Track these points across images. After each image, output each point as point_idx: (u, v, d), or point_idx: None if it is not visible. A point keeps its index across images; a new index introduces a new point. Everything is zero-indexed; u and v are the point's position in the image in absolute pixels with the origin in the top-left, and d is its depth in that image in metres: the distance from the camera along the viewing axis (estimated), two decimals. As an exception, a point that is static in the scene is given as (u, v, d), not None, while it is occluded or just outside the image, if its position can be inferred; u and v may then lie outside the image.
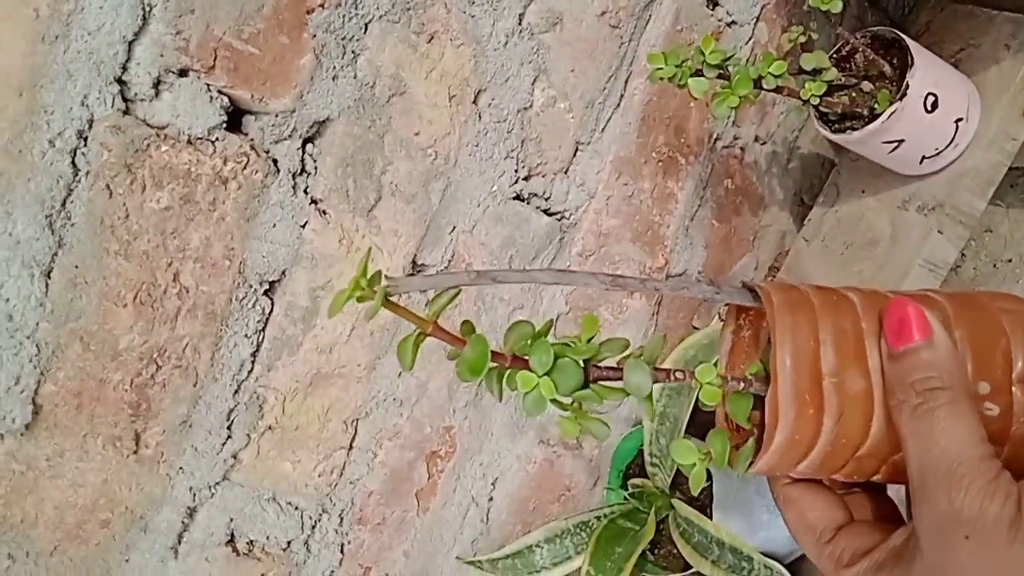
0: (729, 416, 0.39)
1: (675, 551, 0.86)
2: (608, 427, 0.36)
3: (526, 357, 0.35)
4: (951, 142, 0.80)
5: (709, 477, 0.91)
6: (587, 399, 0.35)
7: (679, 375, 0.36)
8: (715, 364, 0.38)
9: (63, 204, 0.59)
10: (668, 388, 0.86)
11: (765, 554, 0.79)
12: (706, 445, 0.39)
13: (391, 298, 0.34)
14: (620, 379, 0.35)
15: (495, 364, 0.34)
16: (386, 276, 0.35)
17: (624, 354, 0.36)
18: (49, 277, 0.60)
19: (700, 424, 0.92)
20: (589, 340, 0.35)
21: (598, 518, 0.88)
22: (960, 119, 0.79)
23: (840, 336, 0.35)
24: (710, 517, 0.84)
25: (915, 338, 0.34)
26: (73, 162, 0.59)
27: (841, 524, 0.38)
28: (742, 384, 0.37)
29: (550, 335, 0.35)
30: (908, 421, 0.34)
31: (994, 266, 1.01)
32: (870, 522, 0.39)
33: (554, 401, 0.34)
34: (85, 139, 0.59)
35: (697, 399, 0.81)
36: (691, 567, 0.84)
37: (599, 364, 0.35)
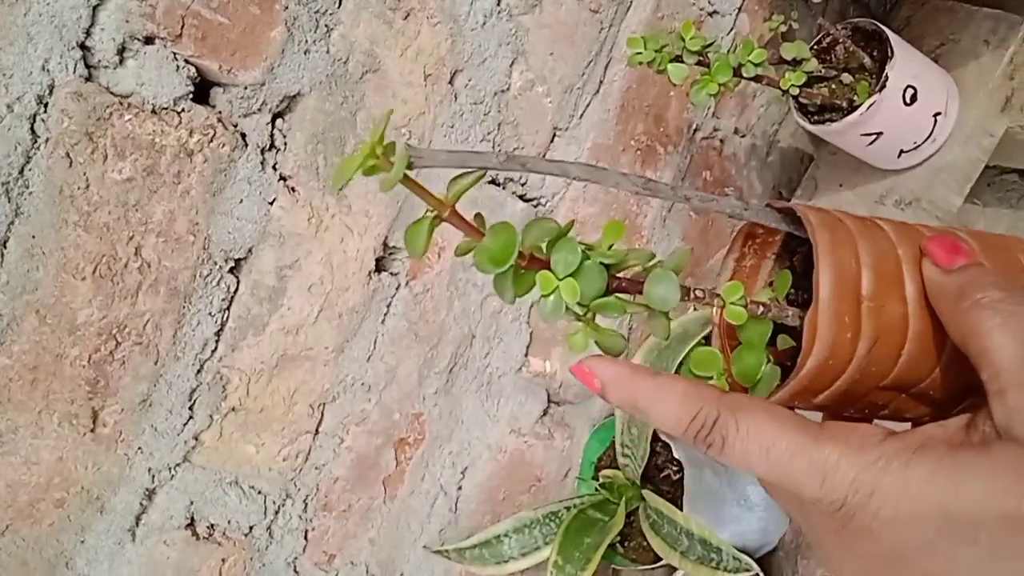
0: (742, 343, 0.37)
1: (645, 544, 0.86)
2: (626, 339, 0.34)
3: (545, 258, 0.32)
4: (929, 136, 0.80)
5: (680, 469, 0.90)
6: (608, 308, 0.32)
7: (699, 293, 0.33)
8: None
9: (21, 172, 0.58)
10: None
11: (735, 548, 0.78)
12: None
13: (408, 173, 0.30)
14: (640, 292, 0.32)
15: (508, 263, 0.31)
16: (408, 144, 0.30)
17: (650, 264, 0.33)
18: (5, 247, 0.58)
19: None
20: (611, 247, 0.32)
21: (568, 508, 0.87)
22: (938, 113, 0.79)
23: (879, 259, 0.34)
24: (680, 509, 0.84)
25: (970, 258, 0.34)
26: (32, 128, 0.57)
27: (821, 425, 0.34)
28: (761, 308, 0.35)
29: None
30: (996, 313, 0.32)
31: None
32: None
33: (568, 310, 0.31)
34: (45, 105, 0.57)
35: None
36: (660, 560, 0.84)
37: (619, 275, 0.32)
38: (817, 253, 0.33)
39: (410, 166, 0.29)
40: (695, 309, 0.91)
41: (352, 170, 0.29)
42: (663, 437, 0.88)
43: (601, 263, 0.31)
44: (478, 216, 0.32)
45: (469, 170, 0.32)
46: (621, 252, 0.32)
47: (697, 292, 0.33)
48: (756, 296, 0.37)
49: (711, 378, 0.36)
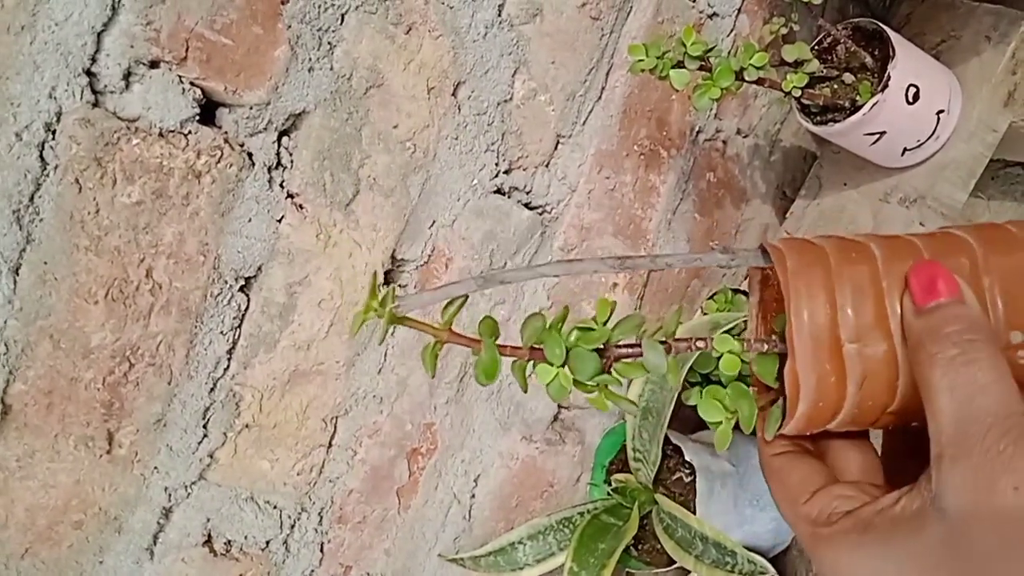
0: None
1: (658, 546, 0.86)
2: (636, 405, 0.39)
3: (543, 348, 0.36)
4: (932, 134, 0.80)
5: (692, 472, 0.90)
6: (607, 383, 0.36)
7: (700, 344, 0.36)
8: (731, 331, 0.37)
9: (31, 199, 0.58)
10: (650, 383, 0.85)
11: (748, 548, 0.79)
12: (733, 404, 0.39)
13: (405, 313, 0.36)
14: (640, 355, 0.35)
15: (516, 357, 0.36)
16: (396, 296, 0.36)
17: (640, 331, 0.36)
18: (17, 274, 0.59)
19: (683, 419, 0.91)
20: (604, 323, 0.36)
21: (581, 514, 0.88)
22: (941, 111, 0.79)
23: (859, 297, 0.34)
24: (693, 512, 0.84)
25: (945, 295, 0.33)
26: (41, 156, 0.57)
27: (818, 487, 0.37)
28: (766, 346, 0.36)
29: (565, 324, 0.36)
30: (945, 373, 0.32)
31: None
32: (854, 484, 0.38)
33: (579, 384, 0.35)
34: (53, 132, 0.58)
35: (680, 394, 0.81)
36: (674, 562, 0.84)
37: (619, 344, 0.36)
38: (787, 304, 0.34)
39: (392, 318, 0.36)
40: (703, 313, 0.92)
41: (361, 322, 0.36)
42: (674, 440, 0.88)
43: (587, 349, 0.36)
44: (486, 321, 0.37)
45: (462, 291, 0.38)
46: (607, 331, 0.36)
47: (698, 343, 0.35)
48: (779, 322, 0.38)
49: (720, 423, 0.38)
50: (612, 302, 0.36)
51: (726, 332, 0.80)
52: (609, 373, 0.36)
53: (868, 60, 0.77)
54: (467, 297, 0.37)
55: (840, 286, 0.34)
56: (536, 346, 0.36)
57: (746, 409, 0.38)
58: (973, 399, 0.31)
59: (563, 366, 0.35)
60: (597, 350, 0.36)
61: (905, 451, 0.40)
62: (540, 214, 0.84)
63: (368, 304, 0.36)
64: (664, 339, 0.36)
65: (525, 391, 0.35)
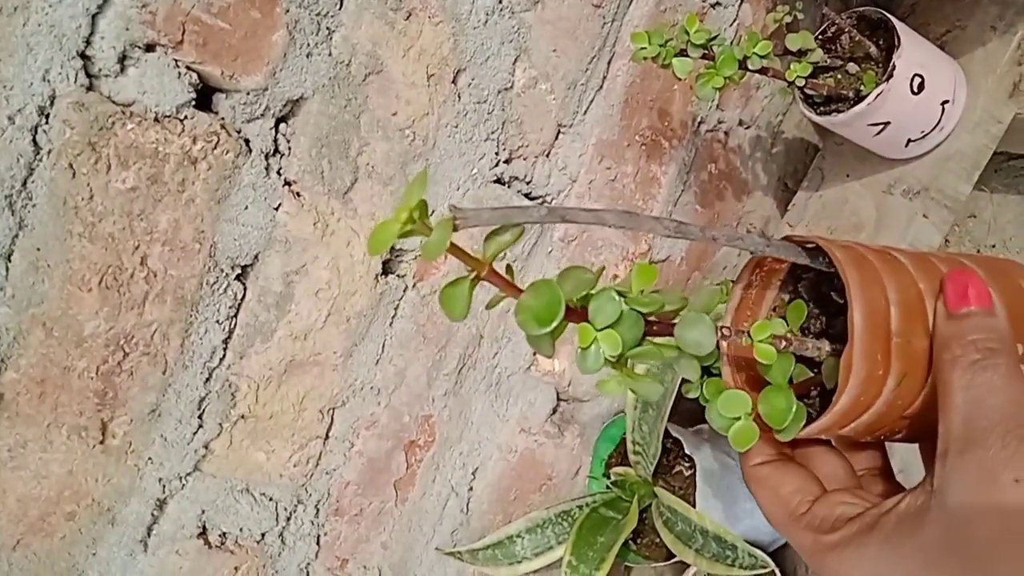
0: (763, 377, 0.37)
1: (658, 540, 0.85)
2: (662, 387, 0.34)
3: (579, 308, 0.31)
4: (937, 124, 0.79)
5: (692, 465, 0.90)
6: (646, 356, 0.31)
7: (725, 331, 0.34)
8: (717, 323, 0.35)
9: (24, 184, 0.57)
10: (650, 374, 0.84)
11: (749, 542, 0.78)
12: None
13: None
14: (671, 335, 0.31)
15: None
16: (452, 206, 0.29)
17: (683, 306, 0.33)
18: (9, 260, 0.58)
19: (683, 412, 0.90)
20: (641, 291, 0.31)
21: (580, 507, 0.87)
22: (946, 101, 0.78)
23: (904, 295, 0.35)
24: (693, 506, 0.83)
25: (976, 304, 0.35)
26: (34, 140, 0.56)
27: (816, 496, 0.38)
28: (783, 343, 0.35)
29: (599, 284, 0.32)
30: (963, 374, 0.33)
31: (977, 251, 1.00)
32: (849, 490, 0.38)
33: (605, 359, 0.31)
34: (47, 116, 0.56)
35: (680, 386, 0.80)
36: (674, 556, 0.83)
37: (648, 319, 0.32)
38: (850, 293, 0.34)
39: (455, 228, 0.28)
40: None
41: (392, 236, 0.27)
42: (674, 433, 0.87)
43: (639, 312, 0.31)
44: (508, 269, 0.31)
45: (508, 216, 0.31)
46: (658, 299, 0.31)
47: (724, 330, 0.34)
48: (758, 324, 0.37)
49: (738, 419, 0.36)
50: (656, 269, 0.32)
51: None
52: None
53: (873, 50, 0.76)
54: (522, 231, 0.31)
55: (888, 282, 0.35)
56: (573, 305, 0.31)
57: (781, 402, 0.35)
58: (985, 399, 0.33)
59: (608, 328, 0.30)
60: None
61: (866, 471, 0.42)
62: (540, 204, 0.83)
63: (407, 213, 0.27)
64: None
65: (551, 356, 0.32)
